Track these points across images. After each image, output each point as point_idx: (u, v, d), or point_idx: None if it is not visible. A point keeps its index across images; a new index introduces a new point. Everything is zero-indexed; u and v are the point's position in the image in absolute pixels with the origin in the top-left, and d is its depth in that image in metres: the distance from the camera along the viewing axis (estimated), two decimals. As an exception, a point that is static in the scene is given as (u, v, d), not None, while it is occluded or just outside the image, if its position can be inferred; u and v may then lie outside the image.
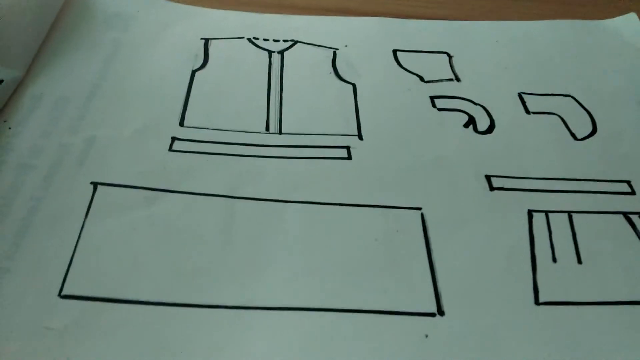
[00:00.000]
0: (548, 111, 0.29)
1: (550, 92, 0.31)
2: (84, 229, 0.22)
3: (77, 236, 0.21)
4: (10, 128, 0.25)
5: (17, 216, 0.22)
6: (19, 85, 0.27)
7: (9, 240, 0.21)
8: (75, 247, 0.21)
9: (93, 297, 0.20)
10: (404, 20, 0.35)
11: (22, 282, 0.20)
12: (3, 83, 0.26)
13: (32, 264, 0.20)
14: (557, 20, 0.36)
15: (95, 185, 0.23)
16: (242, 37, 0.32)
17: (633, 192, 0.26)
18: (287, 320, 0.20)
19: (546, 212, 0.24)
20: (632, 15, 0.36)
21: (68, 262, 0.21)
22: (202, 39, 0.32)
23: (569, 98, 0.30)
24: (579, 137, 0.28)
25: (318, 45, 0.32)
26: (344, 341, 0.20)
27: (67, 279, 0.20)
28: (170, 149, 0.25)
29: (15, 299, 0.19)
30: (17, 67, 0.27)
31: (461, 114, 0.29)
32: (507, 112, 0.29)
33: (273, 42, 0.32)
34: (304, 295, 0.21)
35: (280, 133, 0.27)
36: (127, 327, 0.19)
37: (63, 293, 0.20)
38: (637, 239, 0.24)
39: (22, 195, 0.22)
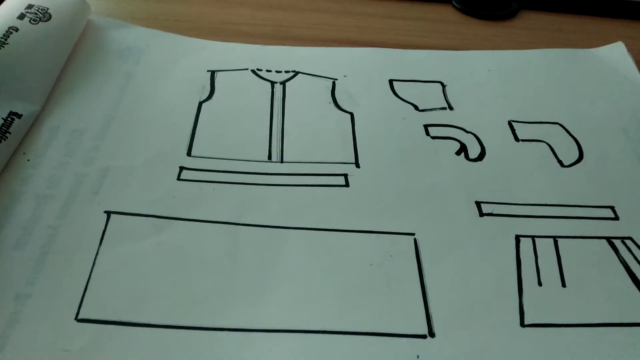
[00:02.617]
0: (536, 139, 0.31)
1: (539, 120, 0.32)
2: (98, 256, 0.23)
3: (92, 263, 0.23)
4: (29, 160, 0.27)
5: (37, 244, 0.23)
6: (37, 119, 0.29)
7: (30, 267, 0.22)
8: (91, 273, 0.23)
9: (107, 320, 0.21)
10: (400, 50, 0.37)
11: (42, 307, 0.21)
12: (22, 117, 0.28)
13: (51, 289, 0.22)
14: (547, 50, 0.38)
15: (108, 214, 0.25)
16: (247, 69, 0.34)
17: (616, 218, 0.27)
18: (287, 342, 0.21)
19: (533, 237, 0.26)
20: (620, 44, 0.37)
21: (84, 288, 0.22)
22: (208, 71, 0.33)
23: (557, 125, 0.32)
24: (566, 163, 0.30)
25: (318, 76, 0.34)
26: (341, 361, 0.21)
27: (83, 304, 0.22)
28: (179, 178, 0.27)
29: (35, 323, 0.21)
30: (35, 101, 0.29)
31: (453, 141, 0.30)
32: (497, 139, 0.31)
33: (275, 73, 0.34)
34: (303, 318, 0.22)
35: (282, 161, 0.29)
36: (139, 348, 0.21)
37: (79, 317, 0.21)
38: (620, 263, 0.25)
39: (41, 224, 0.24)
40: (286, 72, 0.34)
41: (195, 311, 0.22)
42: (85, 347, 0.20)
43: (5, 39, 0.29)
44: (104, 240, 0.24)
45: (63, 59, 0.32)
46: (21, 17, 0.31)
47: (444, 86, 0.34)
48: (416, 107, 0.32)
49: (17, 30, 0.30)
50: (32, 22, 0.31)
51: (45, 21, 0.31)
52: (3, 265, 0.22)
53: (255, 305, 0.22)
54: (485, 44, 0.39)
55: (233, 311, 0.22)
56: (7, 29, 0.29)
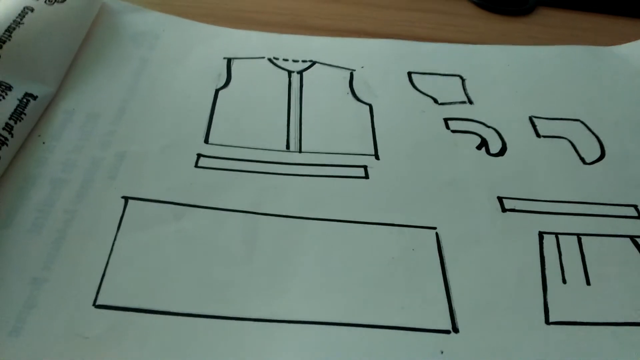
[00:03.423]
0: (558, 135, 0.30)
1: (560, 117, 0.32)
2: (116, 242, 0.23)
3: (110, 248, 0.22)
4: (44, 142, 0.26)
5: (53, 228, 0.23)
6: (52, 101, 0.28)
7: (46, 252, 0.22)
8: (108, 259, 0.22)
9: (125, 307, 0.21)
10: (418, 43, 0.36)
11: (59, 292, 0.21)
12: (37, 98, 0.27)
13: (69, 274, 0.21)
14: (567, 46, 0.37)
15: (126, 199, 0.24)
16: (263, 57, 0.33)
17: (639, 216, 0.27)
18: (308, 334, 0.21)
19: (556, 234, 0.25)
20: (639, 43, 0.37)
21: (102, 273, 0.22)
22: (224, 58, 0.33)
23: (578, 122, 0.31)
24: (588, 161, 0.29)
25: (336, 66, 0.34)
26: (362, 355, 0.21)
27: (101, 290, 0.21)
28: (196, 166, 0.26)
29: (52, 308, 0.20)
30: (50, 83, 0.28)
31: (474, 136, 0.30)
32: (518, 135, 0.30)
33: (292, 63, 0.34)
34: (324, 310, 0.22)
35: (300, 151, 0.28)
36: (157, 336, 0.20)
37: (97, 303, 0.21)
38: (644, 262, 0.25)
39: (57, 208, 0.23)
40: (303, 61, 0.34)
41: (214, 300, 0.22)
42: (103, 334, 0.20)
43: (21, 19, 0.28)
44: (121, 226, 0.23)
45: (78, 41, 0.31)
46: (36, -3, 0.30)
47: (463, 80, 0.34)
48: (435, 101, 0.32)
49: (32, 10, 0.29)
50: (47, 2, 0.30)
51: (60, 2, 0.31)
52: (18, 248, 0.22)
53: (274, 296, 0.22)
54: (501, 39, 0.39)
55: (252, 301, 0.22)
56: (22, 9, 0.29)
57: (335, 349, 0.21)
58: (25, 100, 0.26)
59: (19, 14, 0.28)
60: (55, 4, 0.30)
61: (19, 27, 0.28)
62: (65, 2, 0.31)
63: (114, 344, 0.20)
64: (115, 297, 0.21)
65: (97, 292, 0.21)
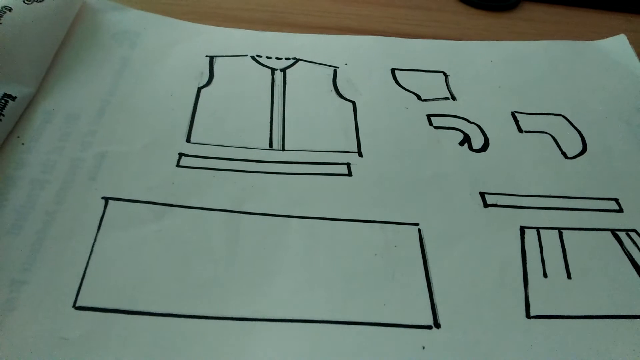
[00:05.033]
0: (540, 130, 0.31)
1: (542, 112, 0.32)
2: (96, 243, 0.23)
3: (90, 249, 0.22)
4: (23, 144, 0.26)
5: (33, 230, 0.23)
6: (31, 102, 0.28)
7: (26, 253, 0.22)
8: (88, 260, 0.22)
9: (106, 308, 0.21)
10: (402, 39, 0.36)
11: (39, 294, 0.21)
12: (16, 99, 0.27)
13: (48, 276, 0.21)
14: (550, 41, 0.37)
15: (106, 200, 0.24)
16: (246, 55, 0.33)
17: (621, 210, 0.27)
18: (290, 332, 0.21)
19: (537, 229, 0.25)
20: (622, 37, 0.37)
21: (82, 275, 0.21)
22: (207, 56, 0.33)
23: (560, 117, 0.32)
24: (570, 155, 0.29)
25: (319, 64, 0.34)
26: (345, 352, 0.21)
27: (81, 291, 0.21)
28: (178, 165, 0.26)
29: (32, 310, 0.20)
30: (29, 83, 0.28)
31: (457, 132, 0.30)
32: (500, 130, 0.30)
33: (276, 60, 0.33)
34: (307, 308, 0.22)
35: (283, 149, 0.28)
36: (138, 337, 0.20)
37: (77, 304, 0.21)
38: (624, 255, 0.25)
39: (37, 209, 0.23)
40: (286, 59, 0.34)
41: (196, 300, 0.22)
42: (84, 336, 0.20)
43: (-1, 19, 0.28)
44: (102, 227, 0.23)
45: (58, 41, 0.31)
46: (14, -4, 0.30)
47: (446, 76, 0.34)
48: (419, 97, 0.32)
49: (10, 10, 0.29)
50: (26, 1, 0.30)
51: (39, 1, 0.30)
52: (-3, 251, 0.22)
53: (257, 295, 0.22)
54: (486, 34, 0.39)
55: (234, 300, 0.22)
56: (0, 9, 0.28)
57: (317, 346, 0.21)
58: (3, 101, 0.26)
59: (-3, 14, 0.28)
60: (34, 3, 0.30)
61: (-3, 27, 0.27)
62: (44, 2, 0.31)
63: (95, 346, 0.20)
64: (95, 299, 0.21)
65: (77, 294, 0.21)
